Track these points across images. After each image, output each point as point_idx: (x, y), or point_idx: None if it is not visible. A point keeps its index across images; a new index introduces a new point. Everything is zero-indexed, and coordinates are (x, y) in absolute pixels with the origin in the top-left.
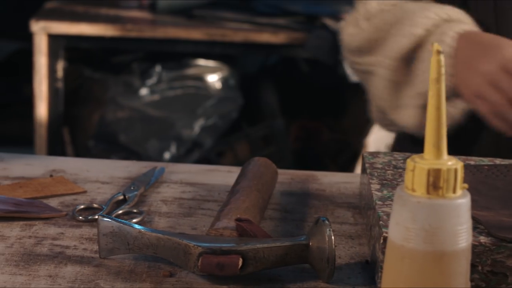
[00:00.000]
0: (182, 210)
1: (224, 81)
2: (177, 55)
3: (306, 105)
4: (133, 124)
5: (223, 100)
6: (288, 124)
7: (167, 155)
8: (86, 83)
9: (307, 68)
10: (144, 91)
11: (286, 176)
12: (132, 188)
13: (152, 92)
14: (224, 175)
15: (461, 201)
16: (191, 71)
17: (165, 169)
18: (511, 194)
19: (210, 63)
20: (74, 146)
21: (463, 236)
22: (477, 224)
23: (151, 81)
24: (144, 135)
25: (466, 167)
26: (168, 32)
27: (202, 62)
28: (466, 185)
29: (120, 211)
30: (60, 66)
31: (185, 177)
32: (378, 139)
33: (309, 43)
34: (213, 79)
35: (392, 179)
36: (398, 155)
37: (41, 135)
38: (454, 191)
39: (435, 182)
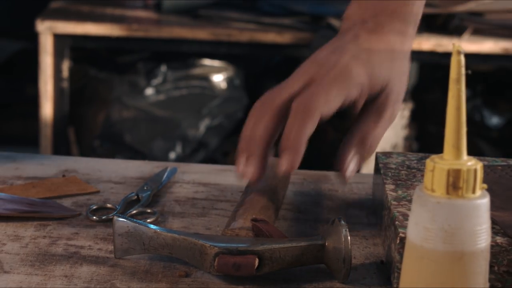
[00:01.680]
0: (195, 210)
1: (229, 81)
2: (182, 55)
3: None
4: (138, 124)
5: (228, 100)
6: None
7: (172, 155)
8: (91, 83)
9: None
10: (149, 91)
11: (299, 176)
12: (145, 188)
13: (158, 92)
14: (236, 175)
15: (480, 201)
16: (196, 71)
17: (177, 169)
18: None
19: (215, 63)
20: (79, 146)
21: (482, 236)
22: (493, 225)
23: (157, 81)
24: (149, 135)
25: None
26: (174, 32)
27: (207, 62)
28: (485, 186)
29: (134, 211)
30: (66, 66)
31: (197, 177)
32: (384, 139)
33: (315, 43)
34: (219, 79)
35: (407, 179)
36: (411, 155)
37: (46, 135)
38: (474, 191)
39: (454, 182)
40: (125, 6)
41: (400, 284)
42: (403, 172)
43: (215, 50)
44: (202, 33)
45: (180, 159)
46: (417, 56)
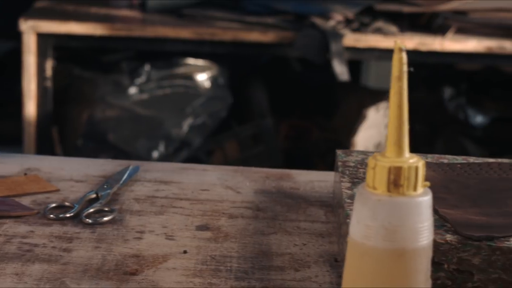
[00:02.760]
0: (154, 208)
1: (213, 80)
2: (166, 54)
3: (297, 104)
4: (122, 123)
5: (212, 99)
6: (278, 123)
7: (155, 154)
8: (75, 82)
9: (299, 67)
10: (133, 90)
11: (261, 175)
12: (105, 186)
13: (141, 91)
14: (199, 174)
15: (422, 199)
16: (180, 70)
17: (140, 167)
18: (482, 193)
19: (199, 62)
20: (63, 146)
21: (424, 234)
22: (445, 222)
23: (140, 80)
24: (133, 134)
25: (439, 165)
26: (157, 31)
27: (191, 61)
28: (428, 183)
29: (92, 210)
30: (49, 65)
31: (159, 176)
32: (366, 138)
33: (298, 42)
34: (203, 78)
35: (364, 178)
36: (371, 154)
37: (30, 134)
38: (415, 189)
39: (395, 180)
40: (110, 6)
41: (343, 281)
42: (361, 170)
43: (199, 49)
44: (185, 32)
45: (163, 158)
46: None
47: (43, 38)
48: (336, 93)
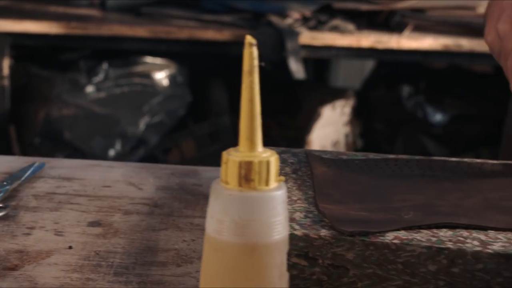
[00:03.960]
0: (50, 205)
1: (172, 78)
2: (125, 52)
3: (262, 103)
4: (78, 121)
5: (170, 97)
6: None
7: (112, 153)
8: (32, 80)
9: (269, 65)
10: (90, 89)
11: (166, 171)
12: (5, 183)
13: (98, 89)
14: (104, 170)
15: (274, 194)
16: (138, 69)
17: (47, 164)
18: (371, 189)
19: (157, 60)
20: (20, 144)
21: (276, 228)
22: (323, 217)
23: (98, 78)
24: (89, 133)
25: (334, 161)
26: (113, 29)
27: (149, 59)
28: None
29: None
30: (6, 63)
31: (63, 172)
32: (323, 136)
33: None
34: (161, 76)
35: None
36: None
37: None
38: (267, 183)
39: (246, 174)
40: (70, 5)
41: (200, 276)
42: (287, 168)
43: (156, 47)
44: (141, 31)
45: (119, 156)
46: (357, 52)
47: None
48: (300, 92)
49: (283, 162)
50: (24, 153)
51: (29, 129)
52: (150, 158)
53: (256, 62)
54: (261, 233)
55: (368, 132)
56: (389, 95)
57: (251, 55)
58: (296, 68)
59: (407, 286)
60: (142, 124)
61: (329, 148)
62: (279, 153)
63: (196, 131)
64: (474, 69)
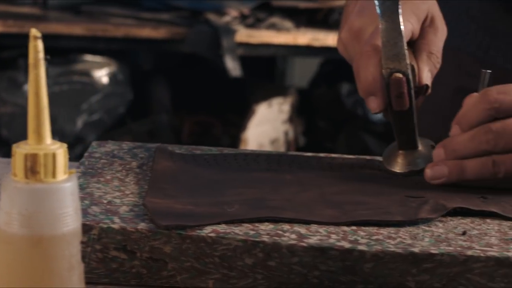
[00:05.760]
0: None
1: (112, 76)
2: (66, 50)
3: (208, 101)
4: (16, 119)
5: (110, 95)
6: (183, 120)
7: None
8: None
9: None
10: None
11: None
12: None
13: None
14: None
15: (61, 186)
16: (78, 67)
17: None
18: (208, 183)
19: (97, 58)
20: None
21: (65, 220)
22: (147, 212)
23: None
24: (26, 130)
25: (183, 156)
26: (50, 27)
27: (89, 57)
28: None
29: None
30: None
31: None
32: (259, 134)
33: (189, 38)
34: (100, 74)
35: (101, 168)
36: (126, 145)
37: None
38: (54, 175)
39: (32, 167)
40: (12, 3)
41: None
42: (102, 161)
43: (93, 45)
44: (78, 29)
45: None
46: (294, 50)
47: None
48: (248, 90)
49: (133, 156)
50: None
51: None
52: None
53: (41, 55)
54: (48, 224)
55: (311, 130)
56: (330, 93)
57: (36, 48)
58: (233, 66)
59: (225, 279)
60: (79, 122)
61: (267, 146)
62: (132, 148)
63: (134, 129)
64: None
